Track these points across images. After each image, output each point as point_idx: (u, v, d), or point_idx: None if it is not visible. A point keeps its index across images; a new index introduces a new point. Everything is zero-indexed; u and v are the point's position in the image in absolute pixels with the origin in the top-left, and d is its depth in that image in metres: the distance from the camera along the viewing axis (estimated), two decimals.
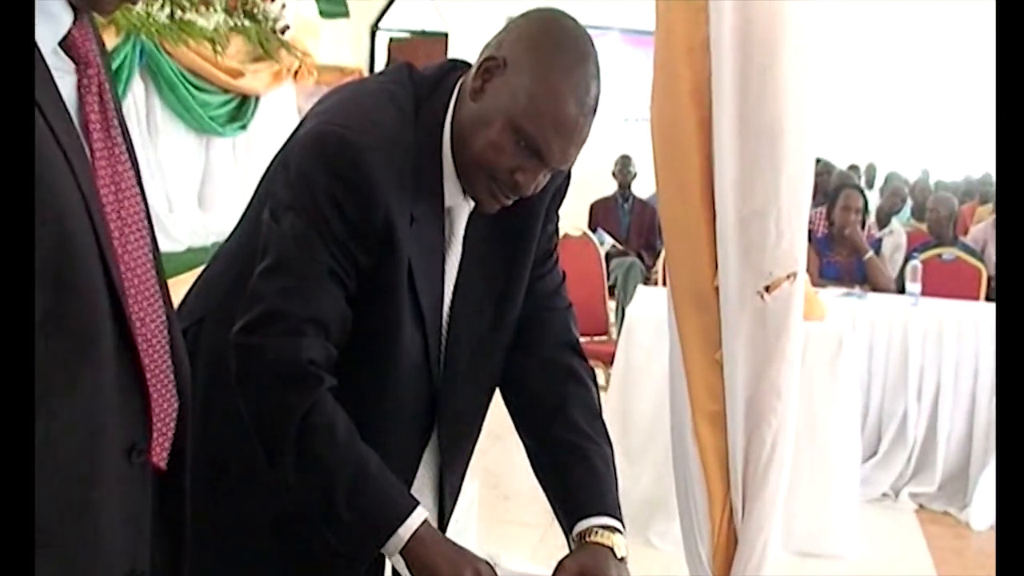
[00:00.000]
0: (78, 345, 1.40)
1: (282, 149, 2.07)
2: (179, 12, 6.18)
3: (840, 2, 13.43)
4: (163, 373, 1.54)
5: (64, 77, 1.40)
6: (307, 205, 1.88)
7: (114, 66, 5.75)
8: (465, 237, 2.14)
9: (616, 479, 2.12)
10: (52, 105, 1.36)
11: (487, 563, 1.98)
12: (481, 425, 2.34)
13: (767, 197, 1.86)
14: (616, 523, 2.06)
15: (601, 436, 2.19)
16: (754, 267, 1.87)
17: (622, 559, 2.03)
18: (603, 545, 2.06)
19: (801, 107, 1.95)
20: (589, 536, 2.07)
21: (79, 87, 1.44)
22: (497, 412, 2.30)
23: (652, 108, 2.05)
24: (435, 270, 2.10)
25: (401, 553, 1.89)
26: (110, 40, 5.50)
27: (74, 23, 1.42)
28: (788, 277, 1.89)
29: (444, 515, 2.31)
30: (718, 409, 1.91)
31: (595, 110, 1.98)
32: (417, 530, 1.88)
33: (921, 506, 6.27)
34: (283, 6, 7.58)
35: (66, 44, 1.41)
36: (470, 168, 2.00)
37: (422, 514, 1.89)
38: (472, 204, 2.10)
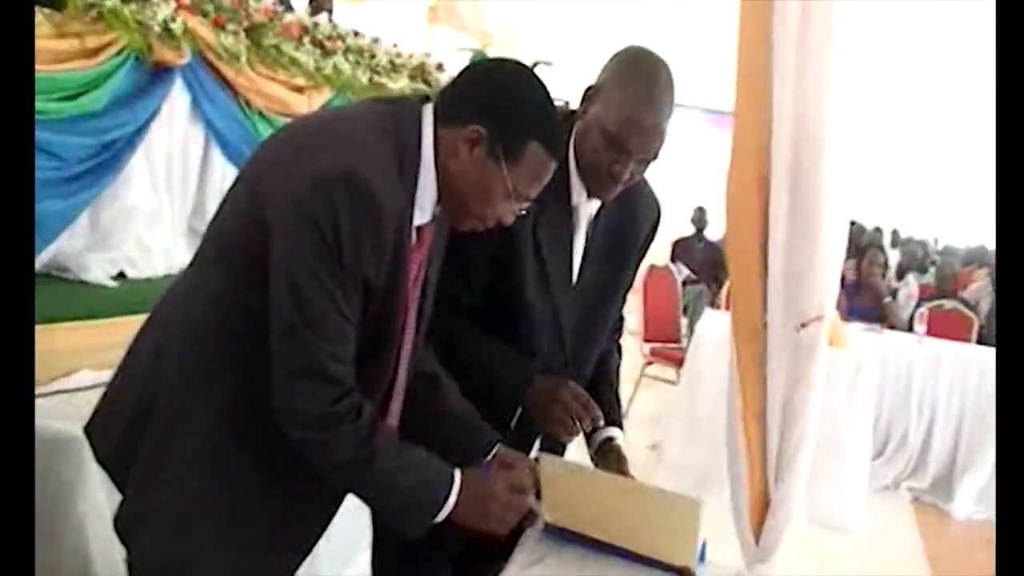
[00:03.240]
0: (380, 359, 1.78)
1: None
2: (375, 76, 6.27)
3: (881, 87, 13.14)
4: None
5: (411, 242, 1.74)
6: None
7: None
8: (589, 230, 2.20)
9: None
10: (406, 252, 1.72)
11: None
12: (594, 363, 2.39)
13: (808, 260, 1.90)
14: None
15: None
16: (793, 310, 1.90)
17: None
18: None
19: (838, 192, 1.98)
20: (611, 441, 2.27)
21: (414, 249, 1.77)
22: None
23: (727, 186, 2.04)
24: (563, 249, 2.15)
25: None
26: (326, 95, 5.62)
27: (427, 224, 1.79)
28: (818, 318, 1.92)
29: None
30: (761, 410, 1.96)
31: (668, 112, 2.02)
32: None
33: (915, 498, 6.29)
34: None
35: (420, 228, 1.74)
36: (584, 168, 2.09)
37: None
38: (593, 205, 2.17)
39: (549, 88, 1.81)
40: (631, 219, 2.26)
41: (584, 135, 2.07)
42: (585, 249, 2.21)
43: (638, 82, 2.02)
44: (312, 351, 1.65)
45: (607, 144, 2.02)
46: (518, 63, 1.85)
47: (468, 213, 1.81)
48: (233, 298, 1.75)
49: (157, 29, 4.09)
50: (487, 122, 1.73)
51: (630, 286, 2.40)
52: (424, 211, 1.78)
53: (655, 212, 2.34)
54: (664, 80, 2.04)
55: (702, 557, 1.92)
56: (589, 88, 2.08)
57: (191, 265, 1.90)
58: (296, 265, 1.64)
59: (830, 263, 1.97)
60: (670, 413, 6.25)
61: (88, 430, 1.97)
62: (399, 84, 6.50)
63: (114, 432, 1.89)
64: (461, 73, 1.86)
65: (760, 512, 2.00)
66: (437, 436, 1.94)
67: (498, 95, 1.77)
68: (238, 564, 1.84)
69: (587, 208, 2.18)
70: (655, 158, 2.06)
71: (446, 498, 1.77)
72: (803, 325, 1.89)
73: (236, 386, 1.76)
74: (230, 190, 1.86)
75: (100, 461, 1.95)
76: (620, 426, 2.41)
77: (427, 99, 1.83)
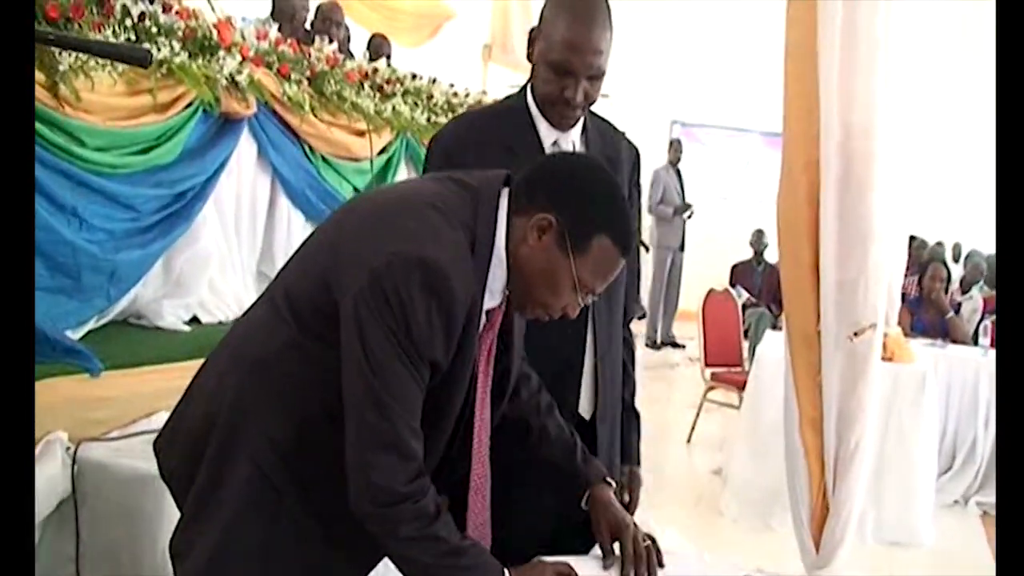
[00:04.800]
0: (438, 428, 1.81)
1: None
2: (432, 116, 6.38)
3: (938, 99, 13.00)
4: None
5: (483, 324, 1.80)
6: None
7: (387, 155, 5.86)
8: None
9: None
10: (474, 335, 1.78)
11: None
12: (620, 345, 2.40)
13: (858, 270, 1.95)
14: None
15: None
16: (846, 319, 1.94)
17: None
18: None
19: (887, 203, 2.04)
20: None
21: (484, 331, 1.84)
22: None
23: (778, 201, 2.11)
24: None
25: None
26: (387, 137, 5.74)
27: (498, 307, 1.86)
28: (871, 326, 1.95)
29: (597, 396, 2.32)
30: (818, 416, 1.99)
31: (602, 28, 2.15)
32: None
33: (985, 512, 6.16)
34: None
35: (490, 311, 1.80)
36: (542, 105, 2.24)
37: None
38: (569, 139, 2.30)
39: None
40: (615, 158, 2.36)
41: (535, 74, 2.23)
42: None
43: (567, 8, 2.17)
44: (398, 427, 1.69)
45: (555, 73, 2.17)
46: (592, 157, 1.96)
47: (534, 301, 1.84)
48: (290, 337, 1.81)
49: (224, 82, 4.23)
50: (558, 211, 1.76)
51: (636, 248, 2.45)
52: (494, 295, 1.82)
53: (634, 153, 2.46)
54: (592, 1, 2.19)
55: None
56: (531, 31, 2.24)
57: (260, 300, 1.97)
58: (375, 342, 1.67)
59: (881, 272, 2.01)
60: (733, 437, 6.23)
61: (156, 445, 2.02)
62: None
63: (177, 451, 1.94)
64: (537, 162, 1.91)
65: (820, 518, 2.03)
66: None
67: (570, 186, 1.81)
68: None
69: (564, 144, 2.30)
70: (602, 74, 2.19)
71: None
72: (856, 334, 1.93)
73: (283, 422, 1.81)
74: (306, 244, 1.94)
75: (164, 478, 1.99)
76: (637, 414, 2.46)
77: (508, 180, 1.87)
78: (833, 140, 2.01)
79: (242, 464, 1.81)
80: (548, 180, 1.83)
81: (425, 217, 1.74)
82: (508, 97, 2.40)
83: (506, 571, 1.80)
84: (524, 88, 2.31)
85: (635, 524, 2.07)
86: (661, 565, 2.00)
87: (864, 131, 2.01)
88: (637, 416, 2.49)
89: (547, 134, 2.27)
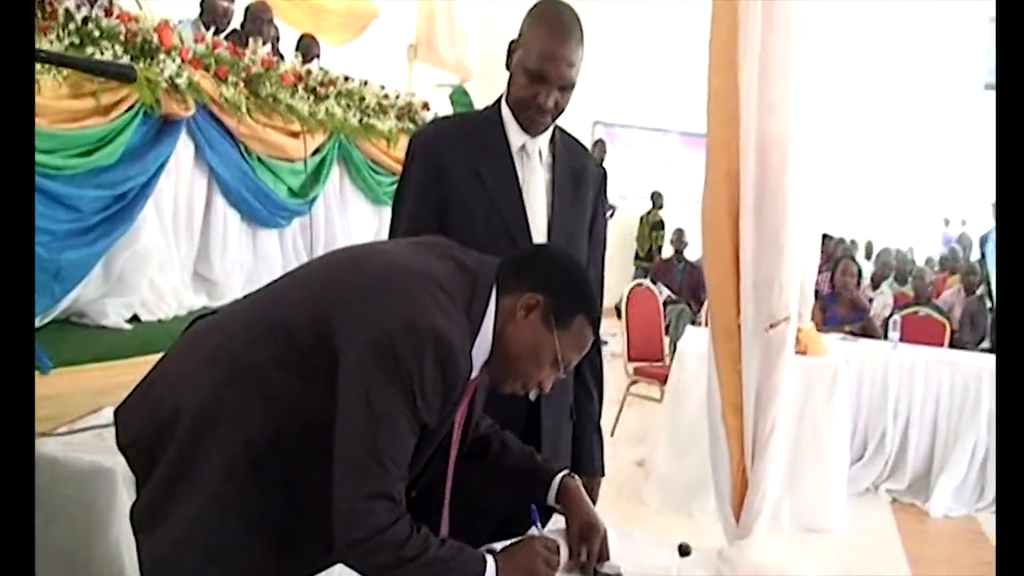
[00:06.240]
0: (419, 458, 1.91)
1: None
2: (365, 118, 6.52)
3: (850, 100, 13.30)
4: None
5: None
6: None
7: (320, 156, 5.96)
8: (549, 173, 2.53)
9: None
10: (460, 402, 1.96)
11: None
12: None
13: (773, 269, 2.11)
14: None
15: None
16: (763, 313, 2.10)
17: None
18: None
19: (800, 209, 2.17)
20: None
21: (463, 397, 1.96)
22: None
23: (702, 208, 2.26)
24: (510, 184, 2.46)
25: None
26: (320, 138, 5.85)
27: (477, 376, 1.99)
28: (785, 319, 2.13)
29: None
30: (738, 401, 2.14)
31: (575, 43, 2.37)
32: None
33: (894, 499, 6.41)
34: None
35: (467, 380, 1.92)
36: (515, 109, 2.45)
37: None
38: (537, 145, 2.49)
39: None
40: (582, 174, 2.59)
41: (512, 81, 2.45)
42: (553, 193, 2.52)
43: (545, 23, 2.39)
44: (396, 478, 1.80)
45: (530, 80, 2.38)
46: (566, 252, 2.23)
47: (515, 374, 2.01)
48: (279, 355, 1.90)
49: (164, 84, 4.33)
50: (545, 291, 1.96)
51: (602, 251, 2.69)
52: (475, 369, 1.96)
53: (601, 173, 2.68)
54: (567, 16, 2.41)
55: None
56: (511, 43, 2.46)
57: (246, 304, 2.09)
58: (382, 397, 1.78)
59: (794, 271, 2.18)
60: (655, 429, 6.37)
61: (117, 413, 2.08)
62: (387, 125, 6.75)
63: (139, 425, 2.00)
64: (522, 251, 2.16)
65: (740, 493, 2.18)
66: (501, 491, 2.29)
67: (555, 271, 2.03)
68: None
69: (531, 148, 2.50)
70: (572, 85, 2.41)
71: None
72: (772, 326, 2.11)
73: (261, 430, 1.90)
74: (308, 270, 2.14)
75: (120, 445, 2.05)
76: (602, 466, 2.67)
77: (503, 265, 2.03)
78: (751, 152, 2.14)
79: (215, 460, 1.88)
80: (535, 264, 2.05)
81: (435, 295, 1.87)
82: (486, 107, 2.59)
83: (489, 558, 1.91)
84: (499, 98, 2.52)
85: (606, 529, 2.20)
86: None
87: (780, 142, 2.14)
88: (600, 431, 2.70)
89: (516, 137, 2.48)
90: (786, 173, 2.18)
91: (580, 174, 2.57)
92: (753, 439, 2.15)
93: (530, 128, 2.47)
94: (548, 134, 2.52)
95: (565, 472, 2.26)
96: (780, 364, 2.13)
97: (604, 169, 2.71)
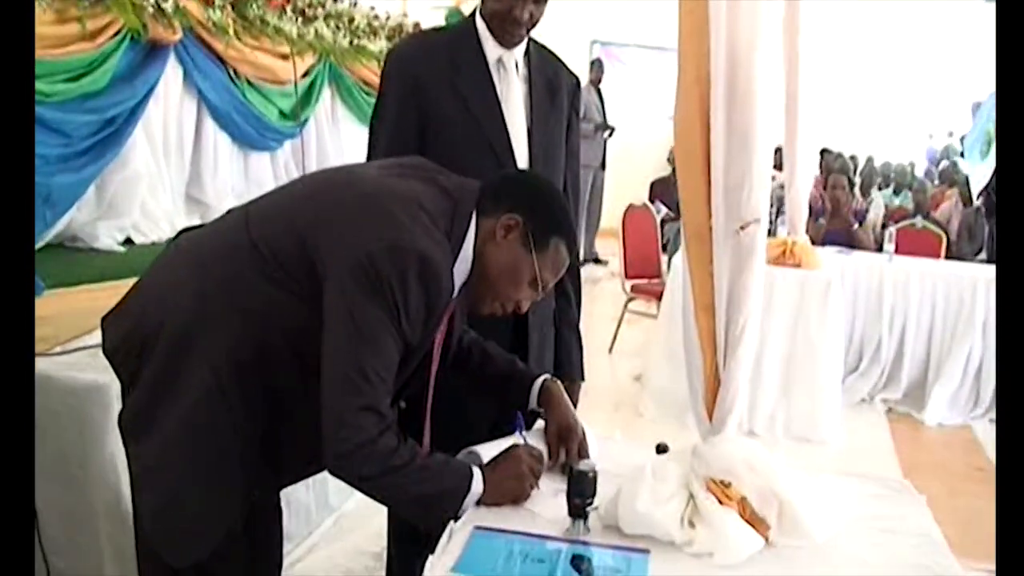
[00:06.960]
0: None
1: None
2: (355, 39, 6.51)
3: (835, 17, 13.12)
4: None
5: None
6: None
7: (311, 78, 5.97)
8: (526, 86, 2.58)
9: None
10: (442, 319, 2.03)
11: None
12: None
13: (743, 174, 2.14)
14: None
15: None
16: (733, 215, 2.13)
17: None
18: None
19: (767, 119, 2.21)
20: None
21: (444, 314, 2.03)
22: None
23: (675, 112, 2.24)
24: (490, 96, 2.51)
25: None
26: (310, 60, 5.85)
27: (457, 295, 2.03)
28: (755, 221, 2.16)
29: None
30: (710, 302, 2.19)
31: None
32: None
33: (890, 408, 6.47)
34: None
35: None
36: (490, 22, 2.49)
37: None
38: (513, 57, 2.54)
39: None
40: (556, 83, 2.64)
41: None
42: (531, 105, 2.57)
43: None
44: (382, 393, 1.85)
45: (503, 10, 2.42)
46: (546, 178, 2.30)
47: (495, 294, 2.07)
48: (261, 269, 1.94)
49: (151, 9, 4.33)
50: (523, 213, 2.03)
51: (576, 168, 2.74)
52: (456, 288, 2.01)
53: (574, 81, 2.73)
54: None
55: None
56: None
57: (228, 219, 2.12)
58: (367, 315, 1.83)
59: (764, 175, 2.21)
60: (651, 345, 6.43)
61: (104, 321, 2.12)
62: (378, 46, 6.71)
63: (123, 332, 2.04)
64: (501, 175, 2.21)
65: (712, 391, 2.22)
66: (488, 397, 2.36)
67: (533, 194, 2.10)
68: (220, 494, 2.01)
69: (507, 61, 2.54)
70: None
71: (463, 500, 1.93)
72: (742, 227, 2.15)
73: (244, 341, 1.94)
74: (287, 191, 2.16)
75: (106, 352, 2.09)
76: (581, 369, 2.75)
77: (483, 189, 2.08)
78: (721, 57, 2.14)
79: (201, 369, 1.93)
80: (514, 188, 2.11)
81: (418, 216, 1.92)
82: (461, 20, 2.62)
83: (475, 469, 1.97)
84: (474, 11, 2.54)
85: (584, 431, 2.27)
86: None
87: (748, 47, 2.15)
88: (579, 335, 2.77)
89: (492, 50, 2.51)
90: (754, 79, 2.20)
91: (555, 84, 2.62)
92: (725, 339, 2.19)
93: (505, 41, 2.50)
94: (523, 46, 2.55)
95: (547, 376, 2.33)
96: (751, 265, 2.16)
97: (576, 77, 2.75)
